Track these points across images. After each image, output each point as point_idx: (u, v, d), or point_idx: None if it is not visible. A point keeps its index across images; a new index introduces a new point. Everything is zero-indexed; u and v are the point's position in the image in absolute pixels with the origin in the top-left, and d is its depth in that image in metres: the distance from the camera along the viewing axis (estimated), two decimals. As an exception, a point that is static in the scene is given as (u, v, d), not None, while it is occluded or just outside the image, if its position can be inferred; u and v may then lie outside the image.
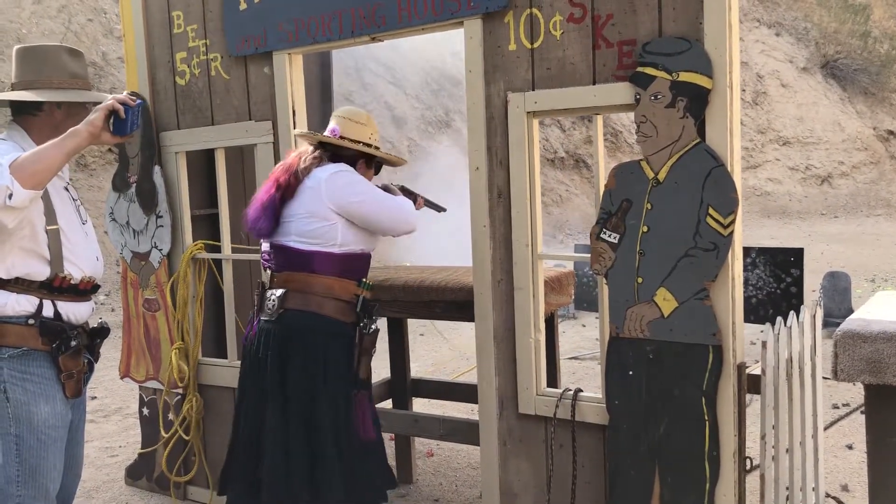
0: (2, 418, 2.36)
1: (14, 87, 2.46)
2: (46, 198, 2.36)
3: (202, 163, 3.86)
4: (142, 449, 3.88)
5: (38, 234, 2.34)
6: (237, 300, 3.58)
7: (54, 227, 2.38)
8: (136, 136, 3.51)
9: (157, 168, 3.60)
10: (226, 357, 3.61)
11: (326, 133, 2.80)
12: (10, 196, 2.08)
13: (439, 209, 3.26)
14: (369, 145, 2.81)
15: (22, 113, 2.45)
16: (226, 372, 3.53)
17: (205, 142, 3.50)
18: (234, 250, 3.55)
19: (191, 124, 3.55)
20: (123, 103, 2.23)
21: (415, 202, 3.02)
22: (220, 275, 3.62)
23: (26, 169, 2.11)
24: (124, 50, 3.71)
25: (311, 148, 2.82)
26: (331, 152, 2.80)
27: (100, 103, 2.27)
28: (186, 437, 3.62)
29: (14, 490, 2.37)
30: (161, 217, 3.61)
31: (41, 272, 2.37)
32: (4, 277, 2.33)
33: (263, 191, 2.77)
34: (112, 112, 2.23)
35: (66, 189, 2.52)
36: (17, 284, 2.35)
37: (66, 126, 2.29)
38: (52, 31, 10.45)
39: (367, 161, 2.85)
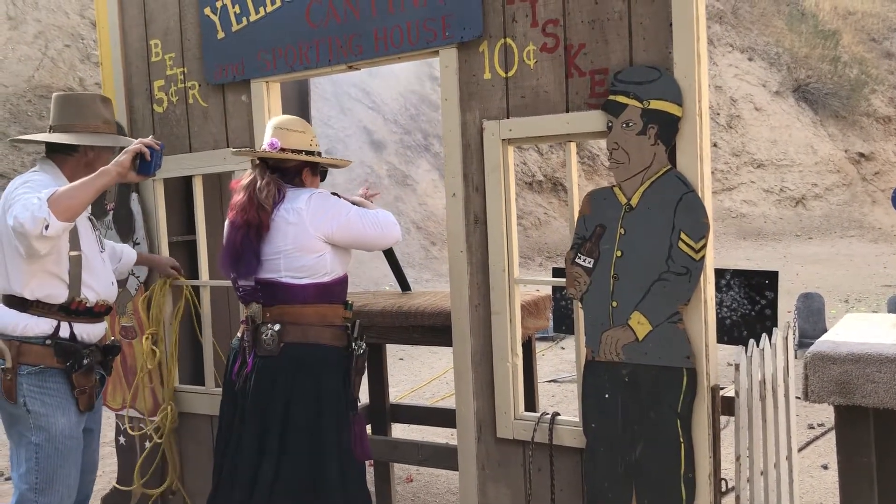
0: (25, 428, 2.60)
1: (53, 130, 2.74)
2: (73, 226, 2.59)
3: (180, 189, 3.87)
4: (118, 478, 3.83)
5: (62, 260, 2.60)
6: (214, 327, 3.57)
7: (77, 252, 2.64)
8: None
9: (134, 195, 3.60)
10: (203, 384, 3.59)
11: (265, 147, 2.72)
12: (47, 227, 2.32)
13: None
14: (311, 153, 2.75)
15: (57, 151, 2.72)
16: (203, 399, 3.51)
17: (182, 169, 3.51)
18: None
19: (168, 151, 3.55)
20: (149, 147, 2.52)
21: None
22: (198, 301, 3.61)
23: (61, 203, 2.35)
24: (102, 77, 3.71)
25: (254, 175, 2.71)
26: (272, 167, 2.72)
27: (126, 146, 2.57)
28: (160, 440, 3.56)
29: (33, 497, 2.59)
30: (138, 244, 3.60)
31: (60, 295, 2.61)
32: (29, 298, 2.58)
33: (232, 233, 2.67)
34: (139, 154, 2.50)
35: (89, 219, 2.82)
36: (38, 307, 2.60)
37: (96, 164, 2.61)
38: (29, 57, 10.41)
39: (311, 169, 2.79)
